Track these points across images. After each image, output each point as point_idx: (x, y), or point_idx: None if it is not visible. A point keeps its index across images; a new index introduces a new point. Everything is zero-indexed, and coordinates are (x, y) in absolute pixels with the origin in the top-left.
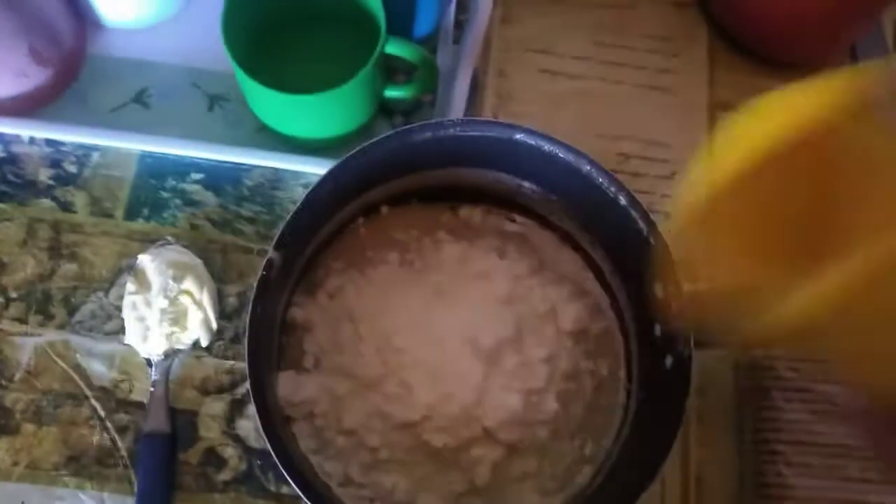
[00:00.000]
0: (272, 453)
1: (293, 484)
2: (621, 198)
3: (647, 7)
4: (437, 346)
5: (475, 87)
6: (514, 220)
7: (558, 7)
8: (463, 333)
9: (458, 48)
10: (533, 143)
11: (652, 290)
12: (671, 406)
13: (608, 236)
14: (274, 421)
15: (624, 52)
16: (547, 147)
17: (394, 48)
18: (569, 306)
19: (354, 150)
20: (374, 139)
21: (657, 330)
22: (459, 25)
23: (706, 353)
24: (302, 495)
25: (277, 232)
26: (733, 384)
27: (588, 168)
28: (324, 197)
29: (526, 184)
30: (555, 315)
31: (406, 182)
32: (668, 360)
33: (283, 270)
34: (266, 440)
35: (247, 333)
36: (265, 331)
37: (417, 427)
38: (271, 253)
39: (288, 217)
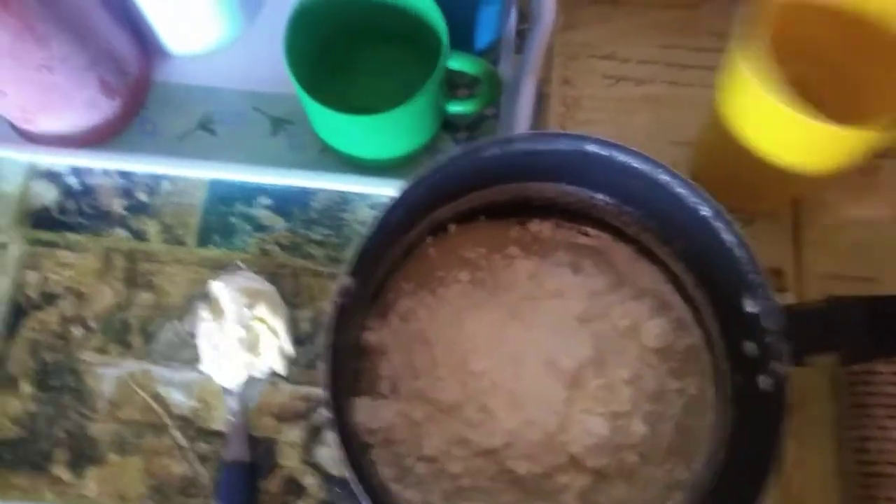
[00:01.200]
0: (354, 486)
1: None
2: (704, 209)
3: (711, 4)
4: (515, 368)
5: (539, 98)
6: (586, 234)
7: (621, 10)
8: (542, 355)
9: (521, 58)
10: (606, 153)
11: (741, 304)
12: (768, 431)
13: (690, 248)
14: (353, 450)
15: (691, 54)
16: (620, 157)
17: (456, 62)
18: (651, 322)
19: (425, 171)
20: (443, 158)
21: (748, 347)
22: (520, 35)
23: (802, 370)
24: None
25: (351, 257)
26: (832, 401)
27: (666, 178)
28: (396, 219)
29: (599, 195)
30: (637, 332)
31: (474, 199)
32: (763, 380)
33: (357, 295)
34: (348, 472)
35: (325, 363)
36: (341, 357)
37: (500, 454)
38: (346, 279)
39: (361, 241)
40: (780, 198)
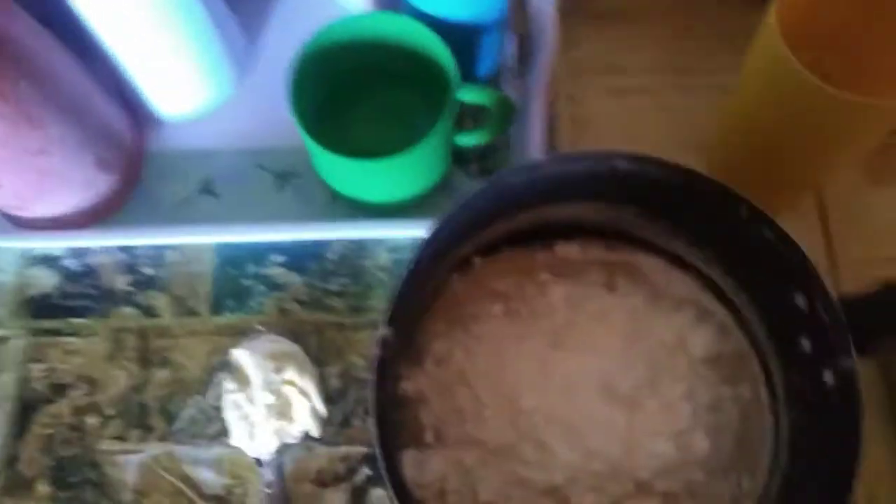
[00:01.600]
0: None
1: None
2: (742, 209)
3: (707, 8)
4: (568, 399)
5: (548, 119)
6: (614, 250)
7: (619, 24)
8: (594, 381)
9: (526, 82)
10: (636, 168)
11: (790, 301)
12: (843, 429)
13: (726, 252)
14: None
15: (692, 57)
16: (651, 170)
17: (468, 94)
18: (696, 332)
19: (451, 211)
20: (470, 195)
21: (803, 344)
22: (520, 59)
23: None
24: None
25: (387, 304)
26: (886, 392)
27: (700, 184)
28: (426, 261)
29: (627, 209)
30: (683, 344)
31: (498, 229)
32: (828, 376)
33: (394, 344)
34: None
35: (373, 418)
36: (384, 412)
37: (563, 490)
38: (384, 330)
39: (396, 289)
40: (801, 188)
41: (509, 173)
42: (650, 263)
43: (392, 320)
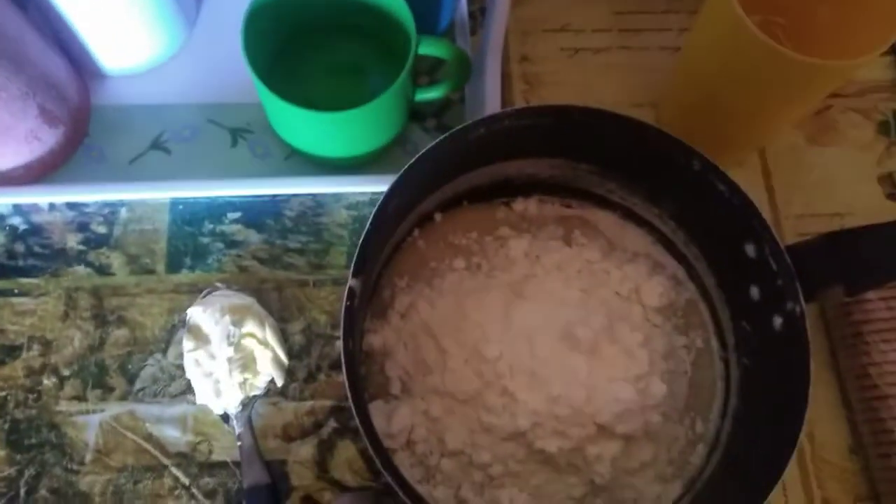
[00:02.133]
0: (400, 492)
1: None
2: (695, 163)
3: None
4: (530, 347)
5: (501, 77)
6: (570, 206)
7: None
8: (555, 330)
9: (480, 38)
10: (592, 121)
11: (741, 251)
12: (792, 368)
13: (678, 205)
14: (385, 455)
15: (643, 17)
16: (607, 123)
17: (427, 48)
18: (651, 282)
19: (412, 161)
20: (430, 145)
21: (752, 292)
22: (472, 16)
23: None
24: None
25: (355, 257)
26: (820, 334)
27: (655, 137)
28: (389, 214)
29: (583, 165)
30: (638, 294)
31: (457, 185)
32: (777, 321)
33: (360, 298)
34: (391, 479)
35: (345, 369)
36: (354, 364)
37: (528, 435)
38: (351, 281)
39: (360, 241)
40: (747, 145)
41: (469, 127)
42: (605, 218)
43: (358, 271)
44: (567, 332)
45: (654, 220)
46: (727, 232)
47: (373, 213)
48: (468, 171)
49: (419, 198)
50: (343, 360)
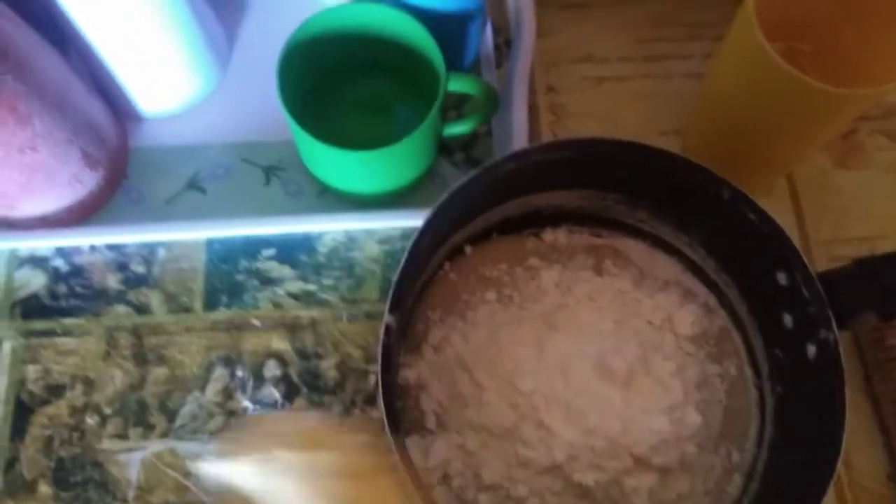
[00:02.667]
0: None
1: None
2: (724, 192)
3: None
4: (564, 379)
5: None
6: (600, 236)
7: (591, 12)
8: (589, 361)
9: (507, 71)
10: (619, 152)
11: (772, 279)
12: (827, 396)
13: (708, 234)
14: (424, 489)
15: (666, 45)
16: (634, 154)
17: (456, 84)
18: (683, 311)
19: (446, 196)
20: (463, 181)
21: (787, 320)
22: (497, 48)
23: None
24: None
25: (391, 293)
26: (858, 359)
27: (682, 167)
28: (423, 249)
29: (611, 195)
30: (671, 323)
31: (488, 218)
32: (811, 349)
33: (396, 333)
34: (420, 495)
35: (382, 403)
36: (391, 399)
37: (564, 468)
38: (387, 317)
39: (396, 276)
40: (774, 172)
41: (500, 162)
42: (635, 248)
43: (395, 307)
44: (601, 362)
45: (684, 249)
46: (758, 260)
47: (407, 248)
48: (499, 204)
49: (451, 232)
50: (381, 395)
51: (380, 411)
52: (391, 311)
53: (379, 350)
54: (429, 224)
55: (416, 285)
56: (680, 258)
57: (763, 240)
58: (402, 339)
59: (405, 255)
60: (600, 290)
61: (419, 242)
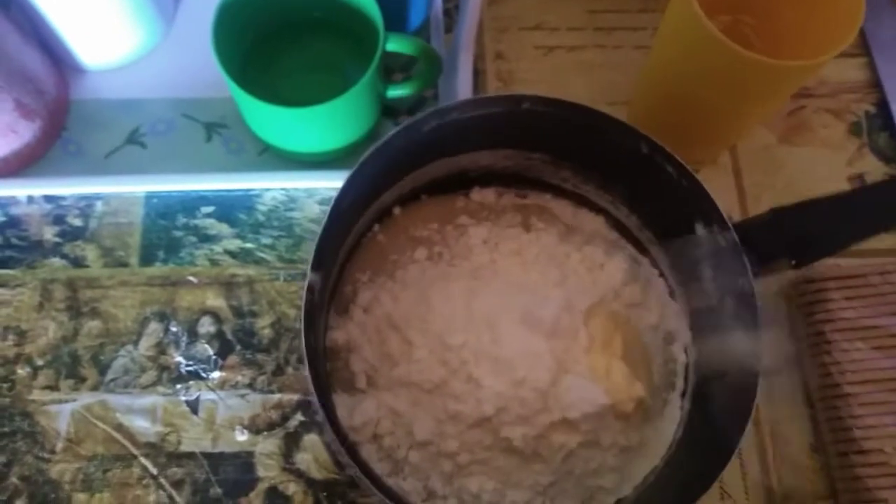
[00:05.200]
0: (360, 482)
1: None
2: (644, 147)
3: None
4: (493, 333)
5: (475, 74)
6: (527, 196)
7: None
8: (516, 313)
9: (454, 36)
10: (542, 109)
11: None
12: (744, 340)
13: (632, 191)
14: (350, 447)
15: (617, 16)
16: (556, 111)
17: (395, 45)
18: (610, 262)
19: (367, 154)
20: (385, 138)
21: (706, 271)
22: (447, 13)
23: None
24: None
25: (313, 251)
26: (789, 333)
27: (604, 123)
28: (346, 208)
29: (536, 155)
30: (598, 274)
31: (415, 178)
32: (729, 297)
33: (320, 292)
34: (351, 469)
35: (306, 362)
36: (317, 358)
37: (493, 421)
38: (310, 276)
39: (318, 235)
40: (716, 144)
41: (420, 120)
42: (561, 206)
43: (317, 266)
44: (528, 315)
45: (608, 207)
46: (677, 213)
47: (329, 207)
48: (424, 164)
49: (377, 192)
50: (305, 355)
51: (304, 369)
52: (314, 269)
53: (302, 309)
54: (350, 183)
55: (342, 247)
56: (605, 217)
57: (681, 192)
58: (331, 302)
59: (327, 214)
60: (528, 246)
61: (341, 201)
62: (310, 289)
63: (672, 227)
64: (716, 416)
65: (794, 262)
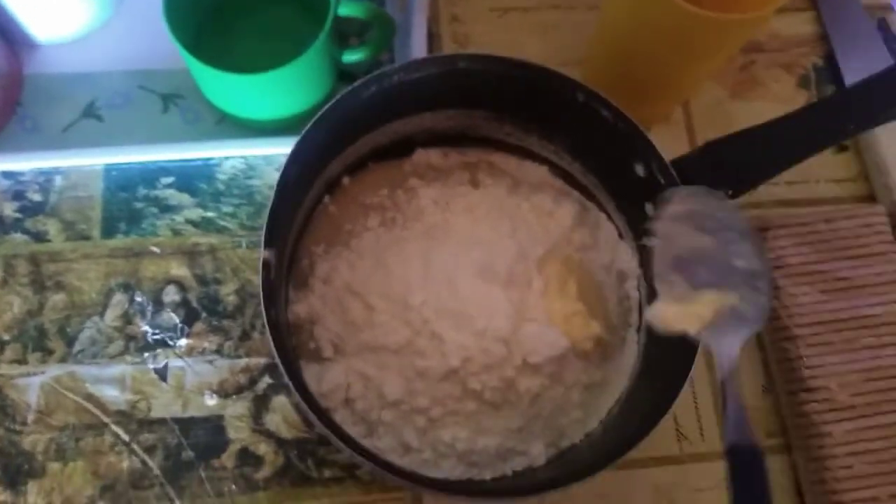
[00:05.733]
0: (331, 438)
1: (359, 455)
2: (579, 95)
3: None
4: (451, 288)
5: (430, 37)
6: (471, 154)
7: None
8: (472, 268)
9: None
10: (478, 66)
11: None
12: None
13: (571, 139)
14: (317, 406)
15: None
16: (493, 67)
17: (347, 9)
18: (559, 208)
19: (309, 126)
20: (324, 109)
21: (649, 209)
22: None
23: None
24: (371, 464)
25: (265, 228)
26: None
27: (540, 75)
28: (293, 182)
29: (477, 112)
30: (548, 220)
31: (360, 147)
32: None
33: (277, 267)
34: (319, 423)
35: (269, 339)
36: (281, 332)
37: (460, 372)
38: (265, 252)
39: (269, 210)
40: (668, 100)
41: (360, 86)
42: (506, 160)
43: (270, 242)
44: (483, 268)
45: (551, 157)
46: (617, 156)
47: (277, 181)
48: (368, 131)
49: (323, 163)
50: (268, 330)
51: (267, 337)
52: (267, 245)
53: (260, 286)
54: (295, 156)
55: (294, 220)
56: (549, 166)
57: (619, 136)
58: (288, 277)
59: (275, 188)
60: (478, 202)
61: (287, 175)
62: (265, 265)
63: (614, 170)
64: (669, 347)
65: (730, 193)
